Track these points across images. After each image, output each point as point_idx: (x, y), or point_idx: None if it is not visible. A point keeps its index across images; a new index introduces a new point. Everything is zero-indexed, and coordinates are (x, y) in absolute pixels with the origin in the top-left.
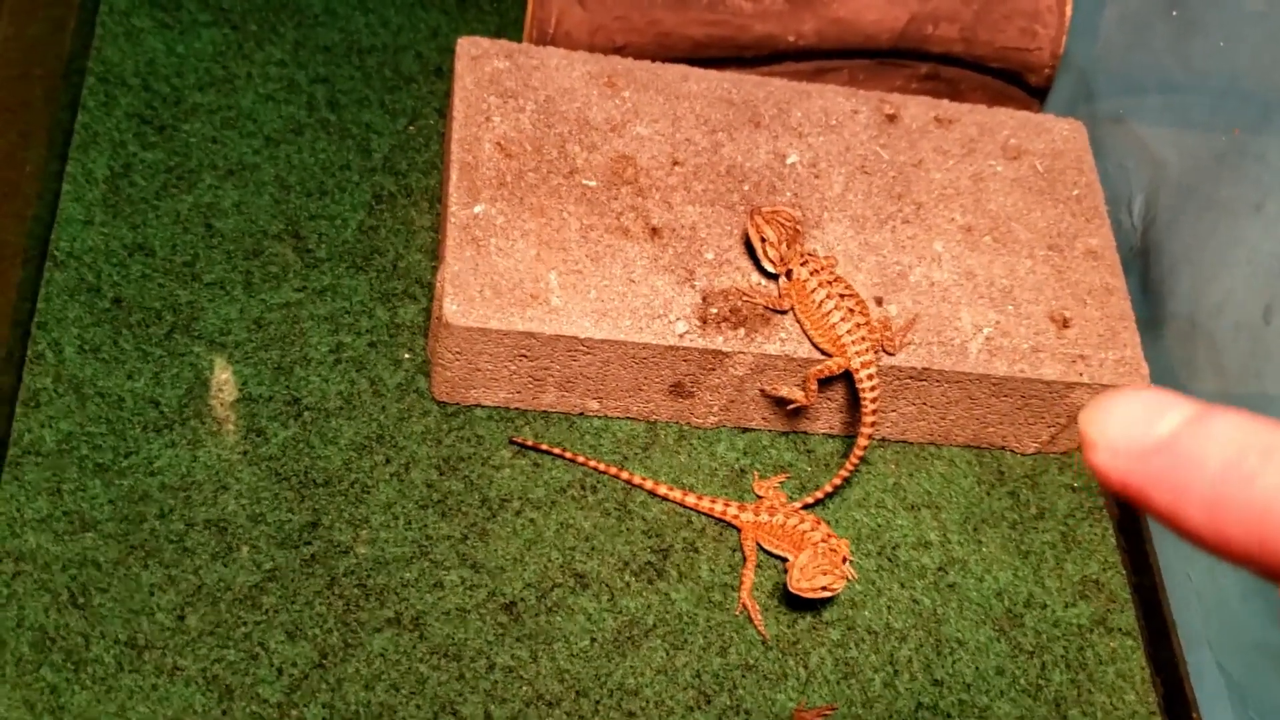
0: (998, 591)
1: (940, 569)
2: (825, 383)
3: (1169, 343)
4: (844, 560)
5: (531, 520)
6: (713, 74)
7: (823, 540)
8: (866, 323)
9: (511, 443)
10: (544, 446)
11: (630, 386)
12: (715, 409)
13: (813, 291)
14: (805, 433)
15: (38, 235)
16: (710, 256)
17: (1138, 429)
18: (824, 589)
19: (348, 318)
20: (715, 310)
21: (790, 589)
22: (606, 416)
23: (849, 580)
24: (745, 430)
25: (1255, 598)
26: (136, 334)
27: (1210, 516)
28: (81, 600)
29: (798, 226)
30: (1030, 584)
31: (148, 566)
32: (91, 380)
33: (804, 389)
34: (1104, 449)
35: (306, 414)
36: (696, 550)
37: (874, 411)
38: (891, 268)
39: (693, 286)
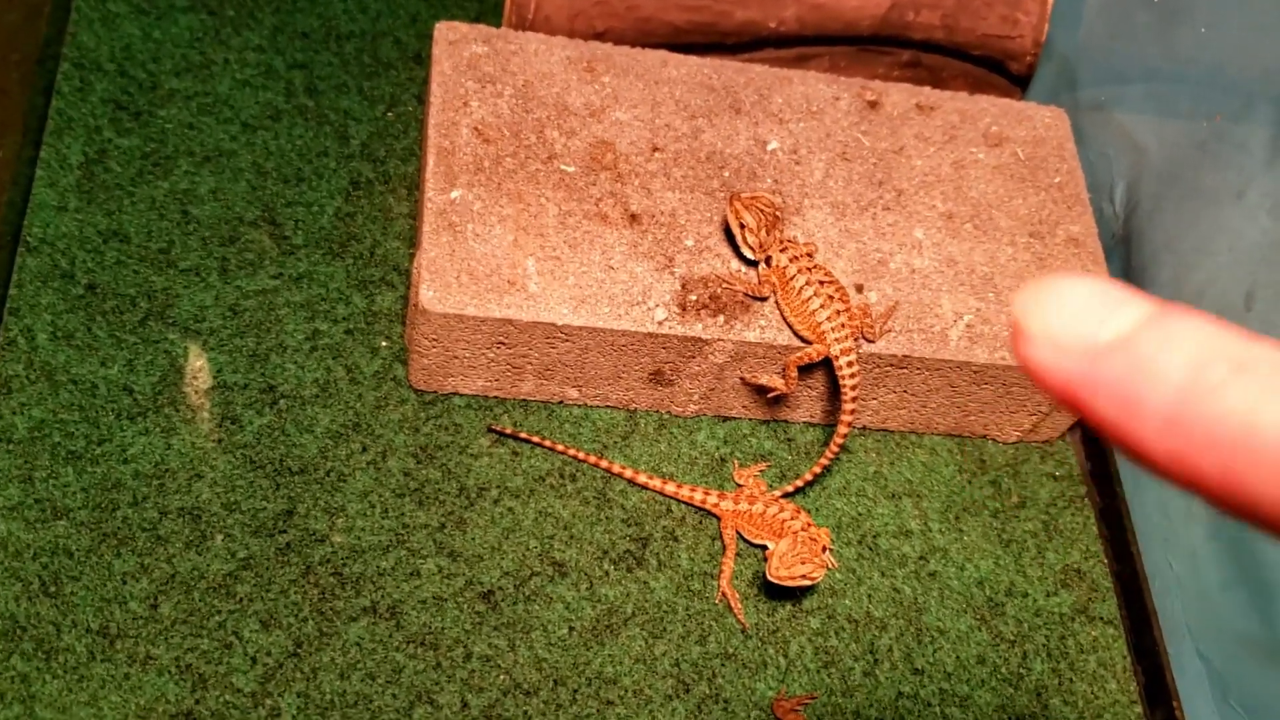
0: (979, 580)
1: (921, 558)
2: (805, 370)
3: None
4: (824, 550)
5: (510, 509)
6: (693, 60)
7: (803, 529)
8: (846, 310)
9: (490, 431)
10: (523, 435)
11: (609, 374)
12: (695, 397)
13: (792, 278)
14: (785, 421)
15: (11, 221)
16: (690, 243)
17: (1087, 324)
18: (803, 578)
19: (324, 305)
20: (695, 297)
21: (769, 577)
22: (586, 405)
23: (829, 569)
24: (725, 418)
25: (1236, 587)
26: (110, 320)
27: (1167, 435)
28: (53, 589)
29: (777, 213)
30: (1011, 573)
31: (120, 555)
32: (64, 367)
33: (784, 377)
34: (1044, 343)
35: (282, 402)
36: (676, 539)
37: (854, 399)
38: (872, 255)
39: (672, 273)
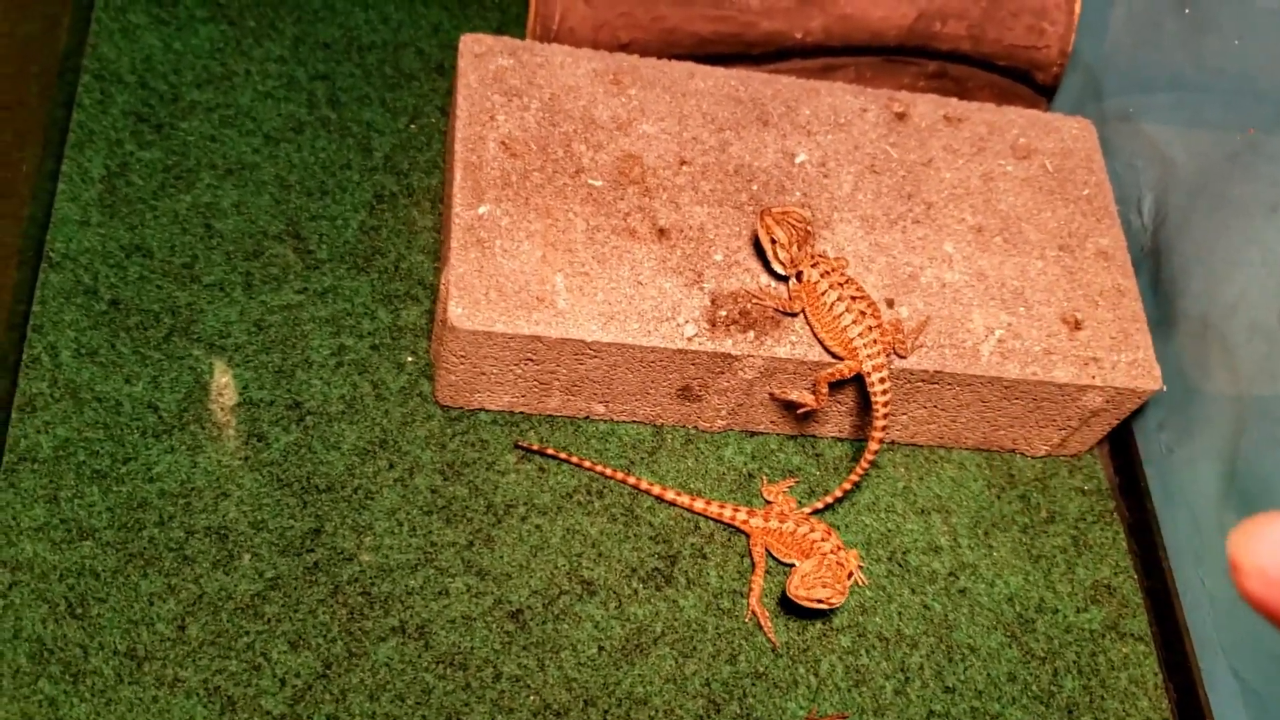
0: (1009, 596)
1: (951, 574)
2: (836, 386)
3: (1181, 344)
4: (849, 575)
5: (537, 526)
6: (719, 71)
7: (832, 552)
8: (878, 325)
9: (517, 447)
10: (550, 451)
11: (637, 390)
12: (723, 412)
13: (823, 294)
14: (814, 436)
15: (33, 236)
16: (719, 258)
17: None
18: (820, 602)
19: (349, 320)
20: (724, 313)
21: (788, 593)
22: (613, 420)
23: (860, 585)
24: (753, 434)
25: None
26: (134, 337)
27: None
28: (80, 610)
29: (808, 227)
30: (1041, 589)
31: (147, 575)
32: (89, 384)
33: (814, 393)
34: (1255, 576)
35: (308, 418)
36: (705, 556)
37: (885, 415)
38: (902, 269)
39: (701, 288)
